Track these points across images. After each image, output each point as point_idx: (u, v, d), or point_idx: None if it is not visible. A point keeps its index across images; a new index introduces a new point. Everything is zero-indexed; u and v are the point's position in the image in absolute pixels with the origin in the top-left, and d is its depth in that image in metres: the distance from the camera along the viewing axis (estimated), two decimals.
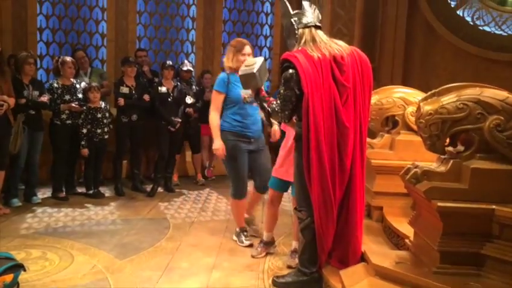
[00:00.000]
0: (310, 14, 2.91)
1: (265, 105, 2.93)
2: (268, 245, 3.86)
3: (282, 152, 3.63)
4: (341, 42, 2.91)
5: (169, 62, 6.07)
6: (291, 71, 2.75)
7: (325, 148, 2.74)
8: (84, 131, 5.41)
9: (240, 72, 3.02)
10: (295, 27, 2.88)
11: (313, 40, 2.81)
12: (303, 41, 2.84)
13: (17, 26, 6.10)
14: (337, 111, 2.76)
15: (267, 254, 3.82)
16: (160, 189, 6.01)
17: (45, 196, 5.46)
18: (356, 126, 2.84)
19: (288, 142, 3.54)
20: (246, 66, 3.01)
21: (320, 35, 2.86)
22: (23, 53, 5.13)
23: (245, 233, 4.11)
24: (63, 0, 6.42)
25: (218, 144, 3.78)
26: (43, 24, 6.34)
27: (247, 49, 3.79)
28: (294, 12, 2.94)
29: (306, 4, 2.98)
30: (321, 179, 2.79)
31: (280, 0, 3.00)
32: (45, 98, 5.06)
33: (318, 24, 2.90)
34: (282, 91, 2.83)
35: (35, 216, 4.77)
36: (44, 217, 4.75)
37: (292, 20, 2.90)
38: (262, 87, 3.07)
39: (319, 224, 2.87)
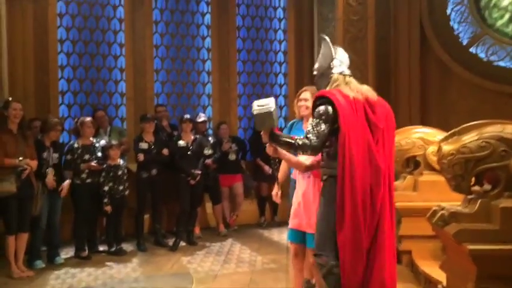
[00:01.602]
0: (346, 61, 2.96)
1: (288, 139, 2.81)
2: None
3: (296, 201, 3.55)
4: (370, 89, 2.93)
5: (186, 116, 6.19)
6: (327, 106, 2.73)
7: (359, 188, 2.69)
8: (106, 188, 5.47)
9: (254, 112, 2.92)
10: (332, 71, 2.91)
11: (346, 84, 2.85)
12: (335, 84, 2.86)
13: (40, 91, 6.32)
14: (370, 151, 2.73)
15: None
16: (182, 243, 5.94)
17: (68, 256, 5.44)
18: (385, 167, 2.80)
19: (299, 192, 3.47)
20: (258, 106, 2.92)
21: (353, 82, 2.90)
22: (54, 119, 5.33)
23: None
24: (83, 63, 6.67)
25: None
26: (64, 88, 6.57)
27: (304, 94, 3.69)
28: (335, 55, 2.95)
29: (340, 51, 3.01)
30: (353, 220, 2.70)
31: (324, 40, 3.02)
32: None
33: (351, 74, 2.95)
34: (314, 123, 2.75)
35: (58, 277, 4.74)
36: (67, 278, 4.71)
37: (331, 63, 2.92)
38: (277, 127, 3.00)
39: (348, 269, 2.73)
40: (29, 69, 6.26)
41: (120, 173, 5.59)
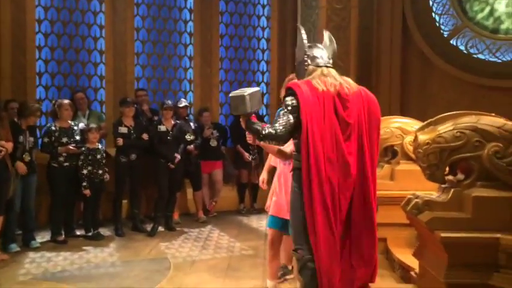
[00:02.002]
0: (325, 53, 2.90)
1: (258, 127, 2.78)
2: None
3: (276, 189, 3.55)
4: (351, 81, 2.87)
5: (168, 102, 6.12)
6: (292, 98, 2.71)
7: (326, 183, 2.65)
8: (85, 172, 5.40)
9: (230, 94, 2.92)
10: (307, 63, 2.86)
11: (322, 76, 2.78)
12: (311, 76, 2.81)
13: (16, 72, 6.17)
14: (338, 146, 2.68)
15: None
16: (161, 228, 5.92)
17: (44, 240, 5.38)
18: (360, 162, 2.73)
19: (280, 178, 3.48)
20: (240, 91, 2.91)
21: (331, 73, 2.82)
22: (35, 105, 5.27)
23: None
24: (62, 45, 6.53)
25: None
26: (42, 69, 6.43)
27: None
28: (310, 46, 2.90)
29: (326, 37, 2.97)
30: (324, 213, 2.65)
31: (298, 31, 2.97)
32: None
33: (329, 64, 2.87)
34: (281, 113, 2.74)
35: (33, 261, 4.68)
36: (43, 262, 4.66)
37: (305, 56, 2.87)
38: (254, 116, 2.94)
39: (323, 263, 2.68)
40: (6, 49, 6.09)
41: (99, 156, 5.53)
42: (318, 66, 2.83)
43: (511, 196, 2.42)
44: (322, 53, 2.89)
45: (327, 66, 2.85)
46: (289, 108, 2.70)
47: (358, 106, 2.77)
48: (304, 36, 2.92)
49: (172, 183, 5.99)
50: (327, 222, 2.66)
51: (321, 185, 2.65)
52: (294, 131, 2.72)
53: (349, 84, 2.82)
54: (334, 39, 3.00)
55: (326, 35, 3.00)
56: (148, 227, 5.90)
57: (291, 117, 2.68)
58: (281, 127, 2.68)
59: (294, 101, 2.69)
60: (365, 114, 2.79)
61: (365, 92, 2.87)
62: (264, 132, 2.71)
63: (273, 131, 2.68)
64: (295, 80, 2.96)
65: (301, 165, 2.68)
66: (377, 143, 2.87)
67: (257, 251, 5.05)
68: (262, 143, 3.06)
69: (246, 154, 6.78)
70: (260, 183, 3.83)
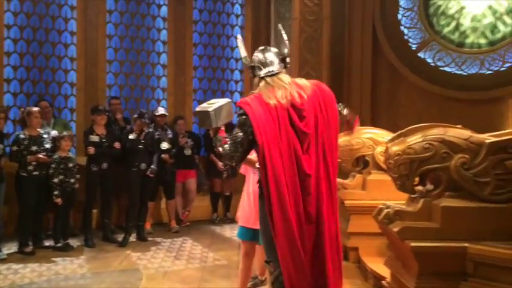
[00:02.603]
0: (273, 57, 2.77)
1: (218, 143, 2.73)
2: None
3: (244, 198, 3.56)
4: (303, 82, 2.76)
5: (135, 115, 5.96)
6: (244, 117, 2.62)
7: (289, 199, 2.57)
8: (56, 180, 5.28)
9: (196, 109, 2.91)
10: (252, 74, 2.80)
11: (270, 87, 2.68)
12: (258, 88, 2.73)
13: None
14: (297, 160, 2.61)
15: None
16: (132, 239, 5.84)
17: (11, 251, 5.21)
18: (319, 172, 2.67)
19: (249, 187, 3.48)
20: (208, 104, 2.87)
21: (281, 80, 2.69)
22: None
23: None
24: (31, 50, 6.39)
25: None
26: (10, 75, 6.28)
27: None
28: (254, 57, 2.81)
29: (284, 36, 2.90)
30: (286, 231, 2.58)
31: (237, 39, 2.93)
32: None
33: (277, 71, 2.74)
34: (233, 133, 2.68)
35: (0, 273, 4.55)
36: (9, 274, 4.52)
37: (249, 66, 2.81)
38: (223, 129, 2.88)
39: (289, 280, 2.63)
40: None
41: (71, 165, 5.43)
42: (268, 75, 2.71)
43: (478, 206, 2.50)
44: (268, 60, 2.77)
45: (274, 74, 2.72)
46: (241, 127, 2.63)
47: (315, 111, 2.67)
48: (242, 45, 2.88)
49: (144, 192, 5.92)
50: (290, 238, 2.59)
51: (282, 202, 2.58)
52: (246, 148, 2.67)
53: (301, 88, 2.69)
54: (284, 33, 2.93)
55: (283, 33, 2.92)
56: (120, 237, 5.81)
57: (240, 135, 2.62)
58: (231, 147, 2.63)
59: (247, 121, 2.60)
60: (323, 117, 2.69)
61: (320, 88, 2.75)
62: (219, 150, 2.68)
63: (224, 152, 2.65)
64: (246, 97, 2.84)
65: (262, 184, 2.62)
66: (336, 142, 2.79)
67: (230, 261, 5.04)
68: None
69: (220, 163, 6.76)
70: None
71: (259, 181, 2.76)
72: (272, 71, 2.73)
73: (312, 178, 2.63)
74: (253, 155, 3.11)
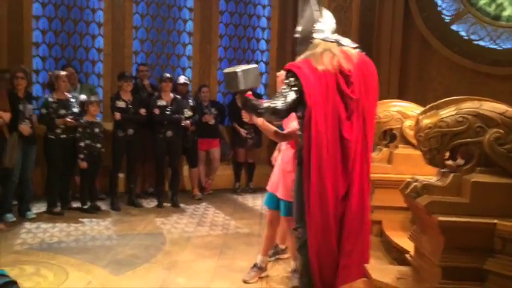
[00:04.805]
0: (329, 28, 2.83)
1: (255, 103, 2.74)
2: (262, 270, 3.68)
3: (276, 167, 3.56)
4: (350, 50, 2.78)
5: (167, 75, 6.08)
6: (294, 78, 2.65)
7: (327, 163, 2.65)
8: (82, 144, 5.38)
9: (224, 71, 2.89)
10: (313, 35, 2.79)
11: (324, 52, 2.71)
12: (313, 51, 2.74)
13: (13, 41, 6.08)
14: (340, 125, 2.67)
15: (260, 278, 3.65)
16: (153, 204, 5.98)
17: (40, 211, 5.39)
18: (358, 138, 2.74)
19: (281, 158, 3.49)
20: (235, 67, 2.88)
21: (333, 48, 2.75)
22: (18, 68, 5.12)
23: None
24: (60, 15, 6.42)
25: None
26: (39, 39, 6.34)
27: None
28: (317, 19, 2.82)
29: (327, 14, 2.89)
30: (320, 195, 2.66)
31: (308, 1, 2.86)
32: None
33: (334, 38, 2.80)
34: (282, 90, 2.68)
35: (29, 231, 4.70)
36: (39, 232, 4.68)
37: (312, 27, 2.80)
38: (250, 93, 2.87)
39: (315, 246, 2.70)
40: (2, 17, 5.98)
41: (97, 130, 5.52)
42: (326, 40, 2.77)
43: (509, 182, 2.44)
44: (327, 27, 2.83)
45: (333, 41, 2.79)
46: (291, 86, 2.65)
47: (359, 79, 2.73)
48: (316, 7, 2.83)
49: (172, 159, 6.02)
50: (321, 203, 2.67)
51: (320, 166, 2.65)
52: (293, 108, 2.69)
53: (349, 56, 2.74)
54: (334, 18, 2.93)
55: (327, 13, 2.92)
56: (144, 202, 5.94)
57: (292, 93, 2.64)
58: (281, 102, 2.64)
59: (297, 82, 2.65)
60: (365, 86, 2.76)
61: (364, 61, 2.80)
62: (262, 106, 2.67)
63: (272, 105, 2.64)
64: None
65: (304, 145, 2.68)
66: (374, 114, 2.87)
67: (252, 230, 5.10)
68: (259, 122, 3.05)
69: (242, 130, 6.76)
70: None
71: (298, 147, 2.82)
72: (331, 37, 2.79)
73: (352, 144, 2.70)
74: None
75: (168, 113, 5.90)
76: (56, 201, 5.40)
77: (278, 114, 2.69)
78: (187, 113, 6.17)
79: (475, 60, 7.19)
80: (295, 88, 2.65)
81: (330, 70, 2.67)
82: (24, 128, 4.90)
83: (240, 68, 2.79)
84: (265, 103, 2.68)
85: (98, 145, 5.51)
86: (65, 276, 3.54)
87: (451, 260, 2.45)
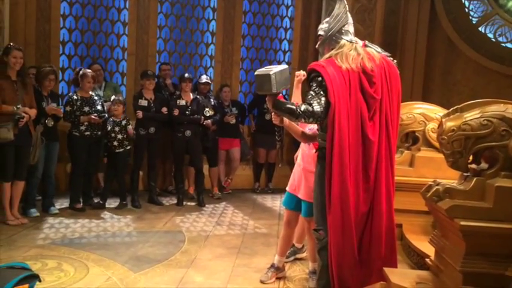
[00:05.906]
0: (353, 30, 2.84)
1: (291, 106, 2.65)
2: (279, 271, 3.66)
3: (297, 167, 3.55)
4: (373, 52, 2.77)
5: (187, 75, 6.12)
6: (320, 78, 2.64)
7: (349, 163, 2.62)
8: (116, 143, 5.57)
9: (255, 72, 2.81)
10: (342, 36, 2.78)
11: (349, 52, 2.71)
12: (338, 51, 2.72)
13: (41, 40, 6.22)
14: (363, 125, 2.65)
15: (277, 279, 3.64)
16: (173, 202, 6.05)
17: (63, 207, 5.49)
18: (381, 139, 2.71)
19: (302, 159, 3.47)
20: (266, 68, 2.78)
21: (358, 48, 2.74)
22: (46, 67, 5.21)
23: None
24: (86, 14, 6.54)
25: None
26: (66, 38, 6.47)
27: None
28: (348, 21, 2.81)
29: (350, 16, 2.88)
30: (341, 196, 2.63)
31: (340, 0, 2.82)
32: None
33: (354, 41, 2.78)
34: (316, 92, 2.65)
35: (52, 226, 4.80)
36: (61, 228, 4.77)
37: (343, 27, 2.79)
38: (281, 95, 2.85)
39: (335, 247, 2.67)
40: (31, 16, 6.13)
41: (119, 129, 5.61)
42: (352, 42, 2.76)
43: None
44: (352, 29, 2.84)
45: (356, 42, 2.78)
46: (322, 87, 2.63)
47: (382, 80, 2.72)
48: (347, 8, 2.82)
49: (194, 158, 6.08)
50: (343, 204, 2.65)
51: (342, 165, 2.62)
52: (327, 108, 2.65)
53: (372, 56, 2.73)
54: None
55: (350, 17, 2.89)
56: (164, 200, 5.99)
57: (323, 94, 2.63)
58: (316, 104, 2.61)
59: (323, 82, 2.63)
60: (387, 87, 2.74)
61: (387, 62, 2.79)
62: (301, 109, 2.61)
63: (311, 108, 2.60)
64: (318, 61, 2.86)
65: (326, 145, 2.66)
66: (398, 117, 2.85)
67: (270, 230, 5.09)
68: (287, 123, 3.01)
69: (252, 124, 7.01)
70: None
71: (319, 148, 2.82)
72: (352, 39, 2.79)
73: (375, 144, 2.68)
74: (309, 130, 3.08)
75: (187, 113, 5.94)
76: (78, 197, 5.50)
77: (316, 117, 2.63)
78: (209, 112, 6.20)
79: (502, 63, 7.02)
80: (323, 88, 2.63)
81: (354, 69, 2.66)
82: (51, 108, 5.05)
83: (272, 70, 2.70)
84: (302, 106, 2.63)
85: (126, 142, 5.66)
86: (86, 271, 3.60)
87: (472, 266, 2.39)
